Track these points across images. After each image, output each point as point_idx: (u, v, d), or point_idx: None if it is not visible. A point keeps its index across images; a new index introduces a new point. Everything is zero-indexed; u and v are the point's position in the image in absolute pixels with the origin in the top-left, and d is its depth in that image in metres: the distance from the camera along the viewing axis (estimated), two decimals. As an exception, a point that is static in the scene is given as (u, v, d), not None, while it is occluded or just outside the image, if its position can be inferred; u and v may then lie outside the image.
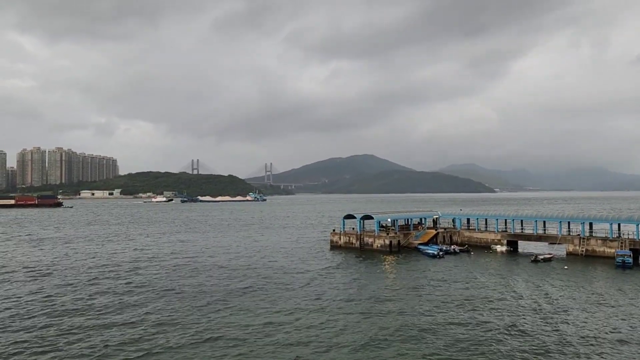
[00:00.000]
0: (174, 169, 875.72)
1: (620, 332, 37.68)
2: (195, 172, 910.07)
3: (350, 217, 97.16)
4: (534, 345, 34.82)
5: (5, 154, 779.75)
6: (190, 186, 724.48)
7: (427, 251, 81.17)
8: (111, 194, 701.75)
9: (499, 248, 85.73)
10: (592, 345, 34.86)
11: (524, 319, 41.57)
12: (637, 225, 73.32)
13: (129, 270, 67.90)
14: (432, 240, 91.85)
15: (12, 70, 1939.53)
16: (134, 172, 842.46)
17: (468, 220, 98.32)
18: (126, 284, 57.97)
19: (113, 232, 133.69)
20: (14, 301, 49.37)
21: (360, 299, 49.20)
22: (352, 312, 44.04)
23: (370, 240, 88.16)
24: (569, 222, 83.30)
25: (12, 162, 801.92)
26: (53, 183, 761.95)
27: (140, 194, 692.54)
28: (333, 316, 42.86)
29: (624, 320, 41.08)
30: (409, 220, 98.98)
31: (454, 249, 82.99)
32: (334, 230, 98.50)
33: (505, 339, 36.36)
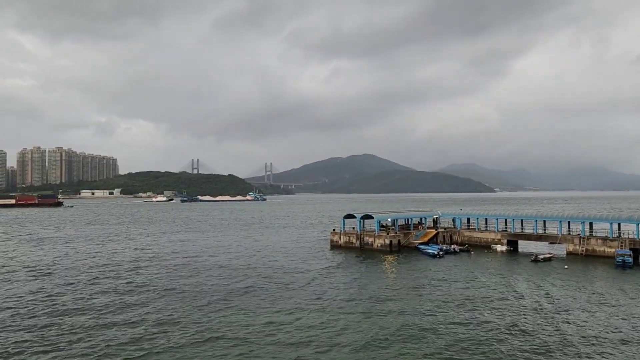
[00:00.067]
0: (174, 169, 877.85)
1: (621, 332, 37.66)
2: (195, 171, 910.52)
3: (350, 216, 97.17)
4: (535, 345, 34.82)
5: (5, 153, 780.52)
6: (191, 186, 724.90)
7: (427, 251, 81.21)
8: (111, 193, 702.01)
9: (499, 248, 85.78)
10: (593, 345, 34.85)
11: (525, 318, 41.58)
12: (637, 224, 73.33)
13: (130, 269, 67.95)
14: (432, 240, 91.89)
15: (13, 69, 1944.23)
16: (134, 171, 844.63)
17: (468, 220, 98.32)
18: (127, 283, 58.00)
19: (113, 231, 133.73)
20: (15, 301, 49.38)
21: (361, 299, 49.23)
22: (352, 312, 44.05)
23: (371, 239, 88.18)
24: (569, 222, 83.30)
25: (12, 162, 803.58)
26: (53, 183, 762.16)
27: (141, 194, 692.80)
28: (334, 316, 42.88)
29: (625, 320, 41.08)
30: (409, 219, 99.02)
31: (454, 249, 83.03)
32: (334, 229, 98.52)
33: (506, 338, 36.36)
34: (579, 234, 79.62)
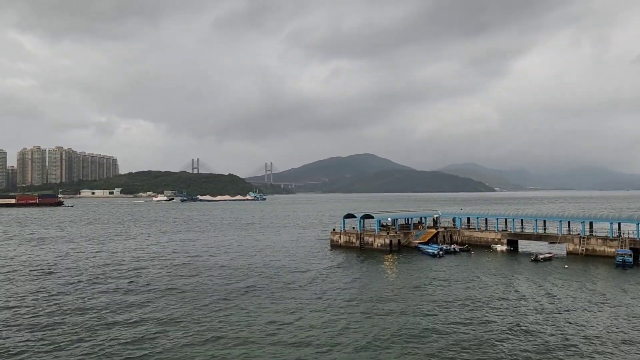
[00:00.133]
0: (174, 168, 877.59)
1: (623, 332, 37.69)
2: (195, 171, 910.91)
3: (350, 216, 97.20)
4: (537, 345, 34.84)
5: (5, 153, 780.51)
6: (191, 185, 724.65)
7: (427, 250, 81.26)
8: (111, 193, 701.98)
9: (499, 247, 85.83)
10: (595, 345, 34.88)
11: (527, 318, 41.62)
12: (637, 224, 73.37)
13: (131, 269, 67.99)
14: (433, 240, 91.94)
15: (13, 69, 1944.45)
16: (134, 171, 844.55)
17: (468, 219, 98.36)
18: (128, 283, 58.04)
19: (114, 231, 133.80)
20: (16, 300, 49.42)
21: (362, 299, 49.27)
22: (353, 312, 44.08)
23: (371, 239, 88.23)
24: (569, 222, 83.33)
25: (12, 162, 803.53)
26: (53, 182, 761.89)
27: (141, 193, 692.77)
28: (335, 316, 42.91)
29: (627, 320, 41.10)
30: (409, 219, 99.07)
31: (454, 249, 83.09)
32: (334, 229, 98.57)
33: (508, 338, 36.39)
34: (579, 234, 79.66)
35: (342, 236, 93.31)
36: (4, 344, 35.92)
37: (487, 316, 42.32)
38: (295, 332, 38.37)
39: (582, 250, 76.80)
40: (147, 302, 48.29)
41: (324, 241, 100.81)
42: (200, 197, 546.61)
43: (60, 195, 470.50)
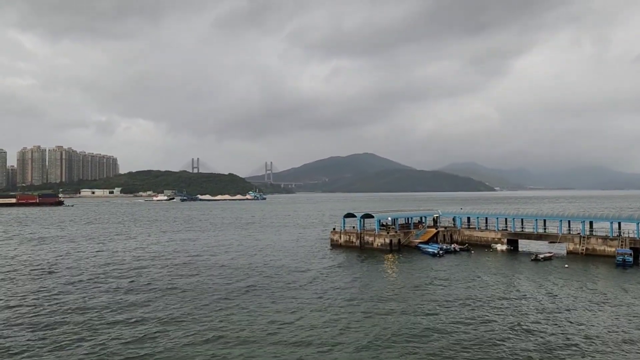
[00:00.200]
0: (175, 168, 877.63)
1: (624, 332, 37.69)
2: (195, 170, 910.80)
3: (350, 215, 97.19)
4: (538, 344, 34.85)
5: (5, 152, 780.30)
6: (191, 185, 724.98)
7: (427, 250, 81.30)
8: (111, 192, 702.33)
9: (499, 247, 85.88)
10: (596, 344, 34.90)
11: (527, 317, 41.63)
12: (638, 224, 73.38)
13: (131, 269, 68.03)
14: (433, 239, 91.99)
15: (13, 68, 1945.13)
16: (134, 170, 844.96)
17: (468, 219, 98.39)
18: (128, 282, 58.07)
19: (114, 230, 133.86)
20: (16, 300, 49.47)
21: (362, 298, 49.31)
22: (354, 312, 44.09)
23: (371, 239, 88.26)
24: (569, 221, 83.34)
25: (12, 161, 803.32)
26: (53, 182, 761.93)
27: (141, 193, 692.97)
28: (335, 315, 42.92)
29: (628, 319, 41.12)
30: (410, 219, 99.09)
31: (454, 248, 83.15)
32: (334, 228, 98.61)
33: (509, 338, 36.38)
34: (579, 233, 79.68)
35: (342, 236, 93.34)
36: (5, 344, 35.95)
37: (487, 315, 42.36)
38: (296, 331, 38.40)
39: (582, 249, 76.83)
40: (148, 302, 48.34)
41: (324, 241, 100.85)
42: (200, 197, 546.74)
43: (60, 195, 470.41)
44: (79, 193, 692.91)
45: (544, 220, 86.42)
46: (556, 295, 49.69)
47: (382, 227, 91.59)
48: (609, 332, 37.70)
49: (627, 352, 33.38)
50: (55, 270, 66.90)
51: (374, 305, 46.46)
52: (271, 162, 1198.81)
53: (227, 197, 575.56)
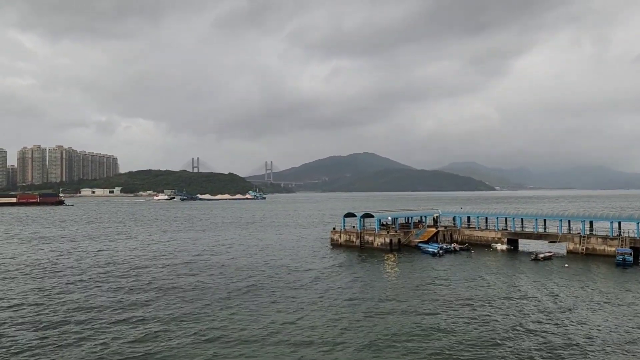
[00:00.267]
0: (175, 167, 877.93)
1: (625, 331, 37.73)
2: (195, 170, 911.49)
3: (350, 215, 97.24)
4: (540, 344, 34.88)
5: (5, 152, 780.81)
6: (191, 184, 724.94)
7: (427, 249, 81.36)
8: (112, 192, 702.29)
9: (499, 246, 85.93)
10: (598, 344, 34.93)
11: (529, 317, 41.67)
12: (638, 223, 73.44)
13: (132, 268, 68.10)
14: (433, 239, 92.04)
15: (13, 68, 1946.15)
16: (134, 170, 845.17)
17: (468, 218, 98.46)
18: (129, 282, 58.13)
19: (115, 230, 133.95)
20: (17, 300, 49.54)
21: (363, 298, 49.37)
22: (355, 311, 44.14)
23: (371, 238, 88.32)
24: (569, 221, 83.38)
25: (12, 161, 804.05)
26: (53, 181, 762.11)
27: (141, 192, 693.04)
28: (336, 315, 42.97)
29: (629, 319, 41.17)
30: (410, 218, 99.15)
31: (454, 248, 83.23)
32: (334, 228, 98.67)
33: (511, 337, 36.42)
34: (579, 233, 79.71)
35: (342, 235, 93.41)
36: (6, 343, 36.02)
37: (488, 315, 42.40)
38: (296, 331, 38.46)
39: (582, 249, 76.88)
40: (149, 301, 48.41)
41: (325, 240, 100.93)
42: (200, 196, 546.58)
43: (60, 194, 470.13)
44: (79, 192, 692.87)
45: (544, 220, 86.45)
46: (557, 295, 49.74)
47: (382, 227, 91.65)
48: (610, 331, 37.74)
49: (628, 352, 33.43)
50: (57, 270, 66.93)
51: (375, 304, 46.52)
52: (271, 162, 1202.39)
53: (227, 196, 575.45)
